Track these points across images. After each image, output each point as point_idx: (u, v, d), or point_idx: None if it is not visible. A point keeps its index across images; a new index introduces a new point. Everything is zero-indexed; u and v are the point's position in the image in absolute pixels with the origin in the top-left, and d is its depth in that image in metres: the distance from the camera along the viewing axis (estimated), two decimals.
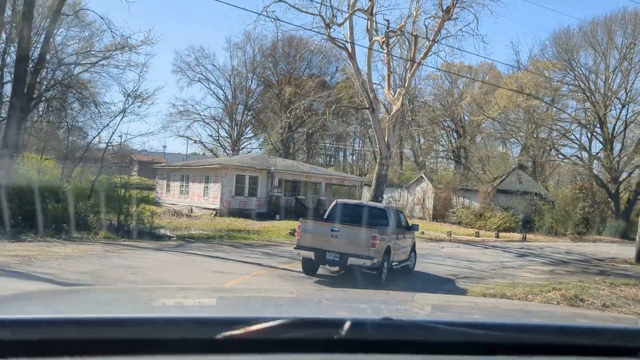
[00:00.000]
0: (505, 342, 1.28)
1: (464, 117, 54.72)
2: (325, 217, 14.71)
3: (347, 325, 1.18)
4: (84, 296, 2.17)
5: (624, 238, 39.28)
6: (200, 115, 61.14)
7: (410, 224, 15.88)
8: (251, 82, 60.86)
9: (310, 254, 12.41)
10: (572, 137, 42.44)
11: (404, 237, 14.61)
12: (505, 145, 52.90)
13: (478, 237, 32.26)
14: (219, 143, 64.74)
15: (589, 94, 40.61)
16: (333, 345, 1.18)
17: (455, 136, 56.15)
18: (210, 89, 63.28)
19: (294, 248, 12.90)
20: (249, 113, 62.94)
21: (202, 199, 35.30)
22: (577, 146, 43.35)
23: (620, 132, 41.34)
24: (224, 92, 62.44)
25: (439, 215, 42.95)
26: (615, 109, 41.20)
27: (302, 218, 13.87)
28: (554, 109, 43.30)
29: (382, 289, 11.19)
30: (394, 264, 13.45)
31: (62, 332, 1.20)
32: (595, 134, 41.32)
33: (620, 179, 41.74)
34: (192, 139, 61.47)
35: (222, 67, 61.55)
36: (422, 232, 31.10)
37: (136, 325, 1.27)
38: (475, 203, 41.79)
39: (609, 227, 40.02)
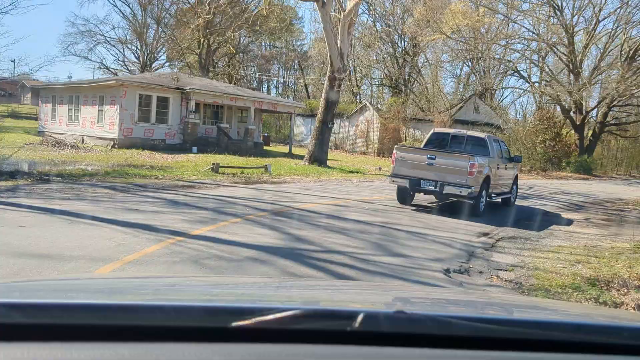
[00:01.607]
0: (520, 338, 1.24)
1: (403, 43, 48.31)
2: (422, 146, 14.33)
3: (359, 317, 1.17)
4: (99, 283, 2.18)
5: (587, 174, 35.29)
6: (104, 36, 51.57)
7: (512, 155, 15.47)
8: None
9: (405, 182, 12.33)
10: (535, 59, 37.09)
11: (505, 168, 14.10)
12: (458, 71, 47.14)
13: None
14: (127, 68, 55.30)
15: (556, 7, 35.16)
16: (345, 337, 1.16)
17: (401, 61, 49.79)
18: (116, 6, 53.63)
19: (388, 176, 13.10)
20: (163, 33, 53.61)
21: (95, 126, 27.24)
22: (537, 72, 38.18)
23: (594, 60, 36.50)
24: (132, 10, 52.57)
25: (386, 149, 37.07)
26: (587, 30, 36.14)
27: (398, 145, 13.56)
28: (511, 26, 37.51)
29: (480, 220, 11.76)
30: (492, 195, 13.38)
31: (75, 317, 1.20)
32: (561, 54, 36.14)
33: (586, 109, 37.34)
34: (95, 62, 51.83)
35: None
36: (379, 168, 24.96)
37: (146, 312, 1.27)
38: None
39: (573, 163, 35.83)
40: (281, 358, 1.11)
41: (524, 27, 35.57)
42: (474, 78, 42.15)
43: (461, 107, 37.74)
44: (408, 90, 47.50)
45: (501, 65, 40.08)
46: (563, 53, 35.85)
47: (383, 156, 36.69)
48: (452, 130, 15.45)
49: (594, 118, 38.82)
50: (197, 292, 2.02)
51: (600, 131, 37.59)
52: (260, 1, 53.89)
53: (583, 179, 32.83)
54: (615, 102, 36.57)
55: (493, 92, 44.61)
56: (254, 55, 57.61)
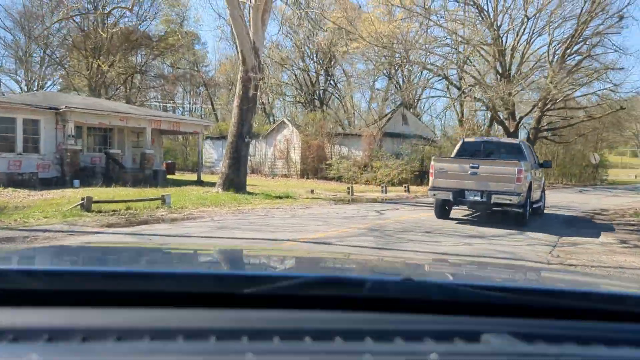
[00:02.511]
0: (526, 304, 1.25)
1: (316, 56, 44.70)
2: (453, 156, 13.29)
3: (368, 284, 1.21)
4: (106, 251, 2.20)
5: None
6: None
7: (541, 161, 15.28)
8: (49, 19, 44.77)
9: (447, 195, 11.88)
10: (468, 63, 34.37)
11: (538, 175, 13.67)
12: (379, 84, 43.88)
13: (383, 192, 22.57)
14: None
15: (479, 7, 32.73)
16: (355, 303, 1.18)
17: (315, 77, 46.02)
18: None
19: (429, 190, 12.45)
20: (50, 60, 47.03)
21: None
22: (468, 78, 35.49)
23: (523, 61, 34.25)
24: (14, 36, 45.77)
25: (311, 169, 32.80)
26: (513, 31, 33.95)
27: (435, 157, 13.60)
28: (436, 30, 34.69)
29: (527, 229, 11.46)
30: (533, 203, 13.04)
31: (88, 283, 1.23)
32: (490, 57, 33.62)
33: (520, 114, 35.03)
34: None
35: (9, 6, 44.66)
36: (312, 191, 20.48)
37: (159, 279, 1.29)
38: (357, 152, 32.24)
39: None
40: (290, 323, 1.11)
41: (448, 28, 32.65)
42: (395, 89, 38.97)
43: (390, 119, 34.26)
44: (325, 107, 43.74)
45: (424, 72, 37.16)
46: (492, 55, 33.36)
47: (307, 177, 32.34)
48: (483, 138, 15.09)
49: (528, 122, 36.68)
50: (210, 259, 2.10)
51: (535, 137, 35.37)
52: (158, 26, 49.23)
53: None
54: (548, 106, 34.48)
55: (415, 103, 41.82)
56: (154, 76, 51.89)
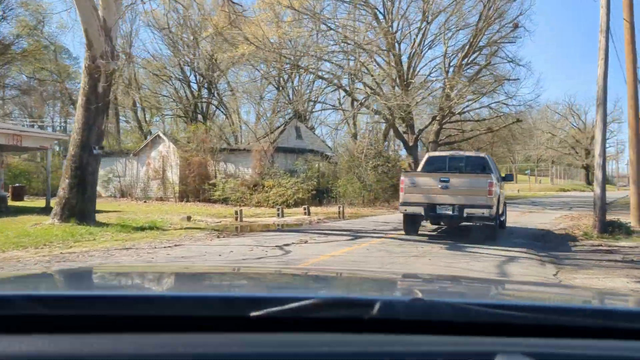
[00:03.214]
0: (537, 323, 1.22)
1: (198, 65, 40.27)
2: (419, 171, 13.44)
3: (377, 305, 1.16)
4: (108, 274, 2.21)
5: None
6: None
7: (503, 174, 15.26)
8: None
9: (419, 210, 11.67)
10: (365, 72, 31.56)
11: (502, 188, 13.61)
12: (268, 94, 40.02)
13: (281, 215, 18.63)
14: None
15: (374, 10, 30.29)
16: (364, 325, 1.16)
17: (202, 89, 41.48)
18: None
19: (400, 205, 12.08)
20: None
21: None
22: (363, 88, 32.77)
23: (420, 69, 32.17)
24: None
25: (191, 191, 28.17)
26: (410, 38, 31.87)
27: (405, 171, 14.07)
28: (329, 36, 31.69)
29: (496, 243, 11.31)
30: (499, 216, 12.89)
31: (92, 308, 1.20)
32: (387, 66, 31.17)
33: (419, 126, 32.91)
34: None
35: None
36: (188, 218, 16.17)
37: (164, 302, 1.27)
38: (246, 169, 28.13)
39: None
40: (299, 346, 1.10)
41: (342, 34, 29.75)
42: (287, 100, 35.51)
43: (283, 131, 30.61)
44: (208, 122, 39.28)
45: (317, 81, 34.05)
46: (389, 63, 30.95)
47: (188, 200, 27.68)
48: (448, 153, 15.19)
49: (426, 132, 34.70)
50: (215, 281, 2.06)
51: (434, 151, 33.42)
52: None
53: None
54: (447, 119, 32.67)
55: (308, 115, 38.64)
56: (8, 86, 44.51)
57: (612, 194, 61.07)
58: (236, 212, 17.00)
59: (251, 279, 2.17)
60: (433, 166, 13.05)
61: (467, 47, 31.20)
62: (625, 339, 1.19)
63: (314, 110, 38.04)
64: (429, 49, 32.72)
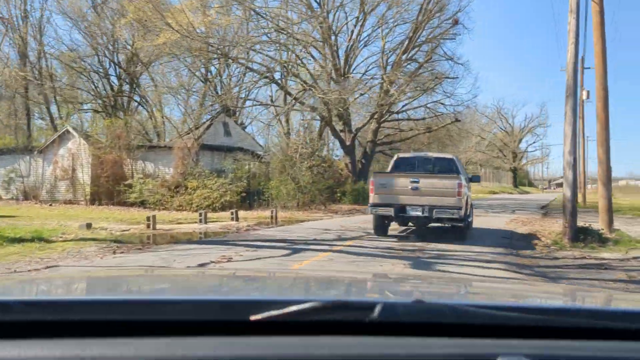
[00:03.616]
0: (540, 325, 1.22)
1: (116, 57, 36.72)
2: (388, 171, 13.37)
3: (378, 308, 1.16)
4: (106, 279, 2.20)
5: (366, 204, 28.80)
6: None
7: (470, 175, 15.23)
8: None
9: (388, 211, 11.57)
10: (300, 65, 29.30)
11: (469, 189, 13.63)
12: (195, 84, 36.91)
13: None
14: None
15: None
16: (365, 327, 1.15)
17: (123, 83, 37.98)
18: None
19: (369, 207, 12.02)
20: None
21: None
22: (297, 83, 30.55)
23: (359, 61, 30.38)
24: None
25: (104, 193, 24.97)
26: (347, 30, 29.99)
27: (375, 172, 14.46)
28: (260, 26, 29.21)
29: (466, 243, 11.29)
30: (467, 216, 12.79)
31: (91, 313, 1.20)
32: (326, 58, 29.13)
33: (357, 125, 31.11)
34: None
35: None
36: (88, 226, 13.40)
37: (164, 307, 1.26)
38: (167, 169, 25.26)
39: (350, 192, 28.92)
40: (300, 350, 1.09)
41: (275, 24, 27.43)
42: (215, 94, 32.74)
43: (209, 127, 27.94)
44: (127, 117, 35.90)
45: (248, 74, 31.57)
46: (325, 56, 28.95)
47: (100, 203, 24.52)
48: (417, 154, 15.37)
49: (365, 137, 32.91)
50: (215, 285, 2.04)
51: (372, 151, 31.72)
52: None
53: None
54: (385, 117, 31.06)
55: (239, 111, 36.06)
56: None
57: (539, 196, 62.14)
58: (148, 219, 14.32)
59: (251, 282, 2.16)
60: (402, 167, 13.03)
61: (407, 42, 29.71)
62: (627, 339, 1.18)
63: (244, 106, 35.44)
64: (364, 45, 31.17)
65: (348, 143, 30.34)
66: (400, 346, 1.11)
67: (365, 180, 30.32)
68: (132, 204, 23.39)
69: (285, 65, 29.43)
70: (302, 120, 32.45)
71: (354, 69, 30.93)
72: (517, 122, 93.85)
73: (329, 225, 16.18)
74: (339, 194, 29.24)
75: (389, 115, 31.45)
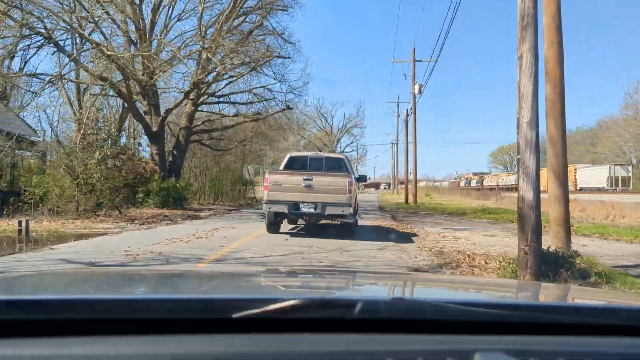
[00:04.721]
0: (517, 321, 1.24)
1: None
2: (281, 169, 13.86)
3: (358, 305, 1.17)
4: (88, 277, 2.16)
5: (178, 206, 22.32)
6: None
7: (357, 175, 15.67)
8: None
9: (283, 208, 11.94)
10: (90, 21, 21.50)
11: (357, 187, 14.56)
12: None
13: None
14: None
15: None
16: (346, 324, 1.16)
17: None
18: None
19: (264, 203, 12.31)
20: None
21: None
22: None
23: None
24: None
25: None
26: None
27: (270, 170, 14.08)
28: None
29: (354, 238, 12.03)
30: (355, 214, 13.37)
31: (73, 312, 1.17)
32: (127, 17, 21.82)
33: (168, 106, 24.29)
34: None
35: None
36: None
37: (146, 305, 1.25)
38: None
39: (157, 192, 22.14)
40: (282, 347, 1.09)
41: None
42: None
43: None
44: None
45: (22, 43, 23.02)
46: (126, 14, 21.71)
47: None
48: (309, 153, 15.56)
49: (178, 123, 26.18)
50: (197, 283, 2.00)
51: (187, 141, 25.16)
52: None
53: (191, 216, 19.55)
54: (204, 99, 24.79)
55: (6, 91, 27.06)
56: None
57: (361, 196, 60.22)
58: None
59: (233, 280, 2.13)
60: (294, 166, 13.45)
61: (230, 6, 23.75)
62: (602, 335, 1.20)
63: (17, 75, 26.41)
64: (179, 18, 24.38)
65: (155, 129, 23.49)
66: (379, 342, 1.10)
67: (177, 177, 23.76)
68: None
69: (69, 23, 21.56)
70: (93, 95, 24.62)
71: (168, 29, 24.12)
72: (336, 122, 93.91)
73: (119, 244, 9.78)
74: (141, 195, 22.32)
75: (209, 97, 25.25)
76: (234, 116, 27.40)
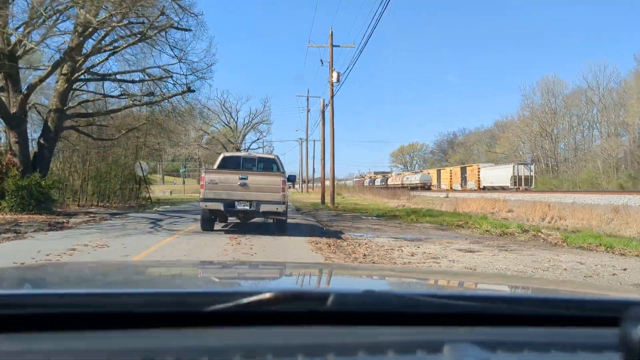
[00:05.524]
0: (486, 312, 1.24)
1: None
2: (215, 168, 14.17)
3: (331, 298, 1.16)
4: (63, 271, 2.11)
5: (45, 211, 17.29)
6: None
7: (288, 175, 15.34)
8: None
9: (218, 206, 12.16)
10: None
11: (288, 187, 14.67)
12: None
13: None
14: None
15: None
16: (319, 317, 1.16)
17: None
18: None
19: (200, 201, 12.58)
20: None
21: None
22: None
23: None
24: None
25: None
26: None
27: (205, 168, 15.10)
28: None
29: (287, 234, 12.50)
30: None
31: (48, 306, 1.15)
32: None
33: (31, 81, 18.98)
34: None
35: None
36: None
37: (118, 299, 1.23)
38: None
39: (14, 192, 16.97)
40: (255, 340, 1.09)
41: None
42: None
43: None
44: None
45: None
46: None
47: None
48: (242, 154, 16.11)
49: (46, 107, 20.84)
50: (169, 277, 1.99)
51: (59, 127, 19.88)
52: None
53: (53, 224, 14.58)
54: (81, 73, 19.74)
55: None
56: None
57: None
58: None
59: (206, 273, 2.13)
60: (228, 165, 13.71)
61: None
62: (569, 326, 1.22)
63: None
64: None
65: (14, 110, 18.13)
66: (350, 335, 1.11)
67: (45, 172, 18.59)
68: None
69: None
70: None
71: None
72: (241, 117, 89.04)
73: None
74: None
75: (88, 72, 20.18)
76: (119, 96, 22.27)
